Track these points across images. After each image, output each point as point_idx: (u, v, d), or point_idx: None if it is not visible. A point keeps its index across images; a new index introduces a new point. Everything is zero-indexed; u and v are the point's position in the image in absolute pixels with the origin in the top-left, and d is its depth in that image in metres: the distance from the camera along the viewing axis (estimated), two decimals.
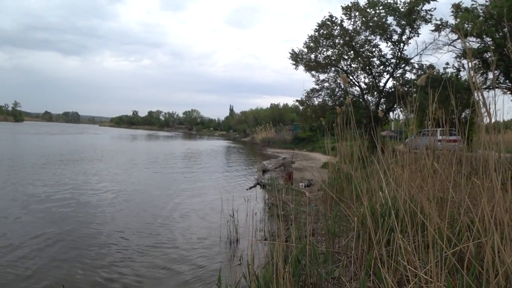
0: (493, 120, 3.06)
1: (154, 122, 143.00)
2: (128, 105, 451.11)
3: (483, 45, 16.36)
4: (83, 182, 14.90)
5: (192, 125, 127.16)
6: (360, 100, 22.75)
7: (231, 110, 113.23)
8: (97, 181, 15.48)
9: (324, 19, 21.63)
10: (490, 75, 16.55)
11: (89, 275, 6.16)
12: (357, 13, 20.89)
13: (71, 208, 10.49)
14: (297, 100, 25.59)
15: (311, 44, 22.51)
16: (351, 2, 20.79)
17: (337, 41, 22.07)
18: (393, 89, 21.60)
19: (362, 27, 21.16)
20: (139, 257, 7.10)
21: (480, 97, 2.73)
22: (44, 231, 8.35)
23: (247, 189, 14.61)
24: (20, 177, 15.08)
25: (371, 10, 20.56)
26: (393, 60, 21.76)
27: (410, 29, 20.53)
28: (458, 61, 17.99)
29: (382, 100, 22.56)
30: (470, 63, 2.73)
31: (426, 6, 19.58)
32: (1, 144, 33.04)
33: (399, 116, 20.40)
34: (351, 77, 22.68)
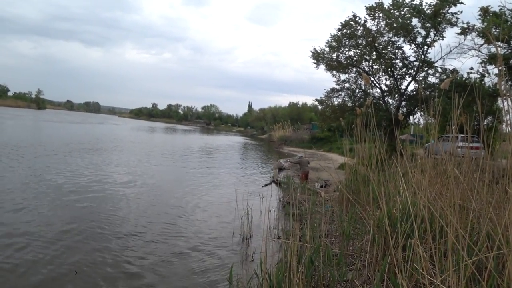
0: None
1: (172, 116, 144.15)
2: (148, 98, 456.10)
3: (510, 50, 15.96)
4: (104, 172, 15.09)
5: (210, 120, 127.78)
6: (381, 102, 22.48)
7: (250, 106, 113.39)
8: (116, 171, 15.68)
9: (347, 19, 21.42)
10: None
11: (101, 263, 6.23)
12: (381, 14, 20.61)
13: (89, 197, 10.63)
14: (316, 100, 25.48)
15: (333, 44, 22.32)
16: (375, 3, 20.52)
17: (359, 41, 21.82)
18: (414, 93, 21.26)
19: (386, 28, 20.86)
20: (152, 248, 7.15)
21: (509, 103, 2.64)
22: (61, 218, 8.50)
23: (262, 186, 14.60)
24: (46, 164, 15.37)
25: (396, 11, 20.25)
26: (416, 63, 21.42)
27: (435, 32, 20.15)
28: (483, 67, 17.58)
29: (403, 103, 22.25)
30: (500, 68, 2.63)
31: (452, 9, 19.17)
32: (29, 131, 33.90)
33: (419, 120, 20.07)
34: (372, 79, 22.41)
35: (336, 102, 24.08)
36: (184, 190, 13.11)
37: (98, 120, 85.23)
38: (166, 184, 14.16)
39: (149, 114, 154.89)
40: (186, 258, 6.79)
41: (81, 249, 6.77)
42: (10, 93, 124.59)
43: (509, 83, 16.33)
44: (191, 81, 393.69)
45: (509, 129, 3.09)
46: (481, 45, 17.05)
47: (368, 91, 22.63)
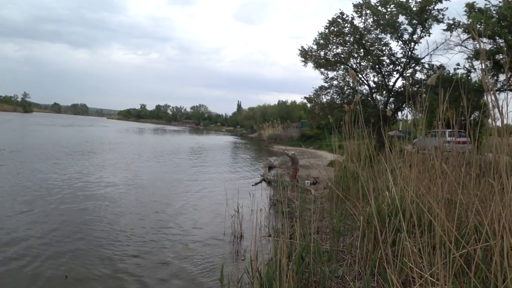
0: (504, 122, 3.00)
1: (161, 116, 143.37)
2: (136, 99, 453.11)
3: (495, 46, 16.16)
4: (97, 175, 15.03)
5: (200, 120, 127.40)
6: (369, 99, 22.59)
7: (239, 106, 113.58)
8: (109, 173, 15.58)
9: (335, 16, 21.48)
10: (501, 77, 16.35)
11: (92, 267, 6.18)
12: (368, 11, 20.69)
13: (79, 200, 10.55)
14: (305, 97, 25.46)
15: (321, 41, 22.34)
16: (362, 0, 20.61)
17: (347, 38, 21.89)
18: (402, 89, 21.41)
19: (373, 25, 20.97)
20: (143, 249, 7.10)
21: (493, 98, 2.67)
22: (53, 222, 8.42)
23: (252, 185, 14.59)
24: (40, 167, 15.28)
25: (383, 8, 20.36)
26: (403, 60, 21.56)
27: (422, 28, 20.30)
28: (469, 62, 17.78)
29: (391, 99, 22.38)
30: (483, 64, 2.66)
31: (438, 5, 19.34)
32: (22, 135, 33.76)
33: (407, 116, 20.24)
34: (360, 76, 22.50)
35: (324, 100, 24.12)
36: (174, 191, 13.06)
37: (88, 123, 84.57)
38: (157, 186, 14.07)
39: (138, 115, 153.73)
40: (177, 258, 6.76)
41: (71, 253, 6.71)
42: None
43: (495, 77, 16.57)
44: (180, 81, 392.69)
45: (495, 123, 3.12)
46: (464, 40, 17.24)
47: (356, 88, 22.73)
